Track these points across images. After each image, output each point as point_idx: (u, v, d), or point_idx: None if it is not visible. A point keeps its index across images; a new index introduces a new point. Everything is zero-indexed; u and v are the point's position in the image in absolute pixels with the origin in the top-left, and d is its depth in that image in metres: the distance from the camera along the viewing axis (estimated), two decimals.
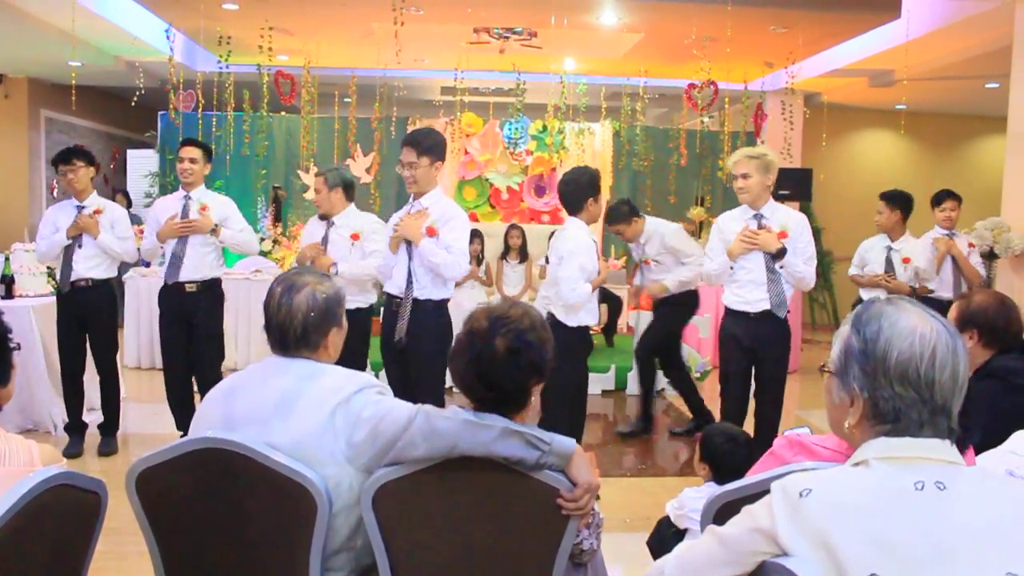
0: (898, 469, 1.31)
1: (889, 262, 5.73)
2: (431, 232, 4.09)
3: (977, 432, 2.20)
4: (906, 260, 5.70)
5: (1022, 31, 6.18)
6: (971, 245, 5.85)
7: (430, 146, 4.10)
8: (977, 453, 1.95)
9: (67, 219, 5.13)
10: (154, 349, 7.72)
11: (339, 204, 4.94)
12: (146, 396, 6.88)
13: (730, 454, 2.77)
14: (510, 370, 1.95)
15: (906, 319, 1.37)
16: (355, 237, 4.88)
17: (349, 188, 4.96)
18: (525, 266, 7.93)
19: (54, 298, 5.80)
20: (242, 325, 7.58)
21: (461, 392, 2.02)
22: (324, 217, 5.01)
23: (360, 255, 4.86)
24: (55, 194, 10.85)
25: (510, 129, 9.63)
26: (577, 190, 4.43)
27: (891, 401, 1.35)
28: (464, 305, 6.17)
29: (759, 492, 1.42)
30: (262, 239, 8.68)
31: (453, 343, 2.06)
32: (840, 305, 11.32)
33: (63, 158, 5.11)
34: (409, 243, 4.12)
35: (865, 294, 5.80)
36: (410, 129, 9.56)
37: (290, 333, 2.11)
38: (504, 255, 7.92)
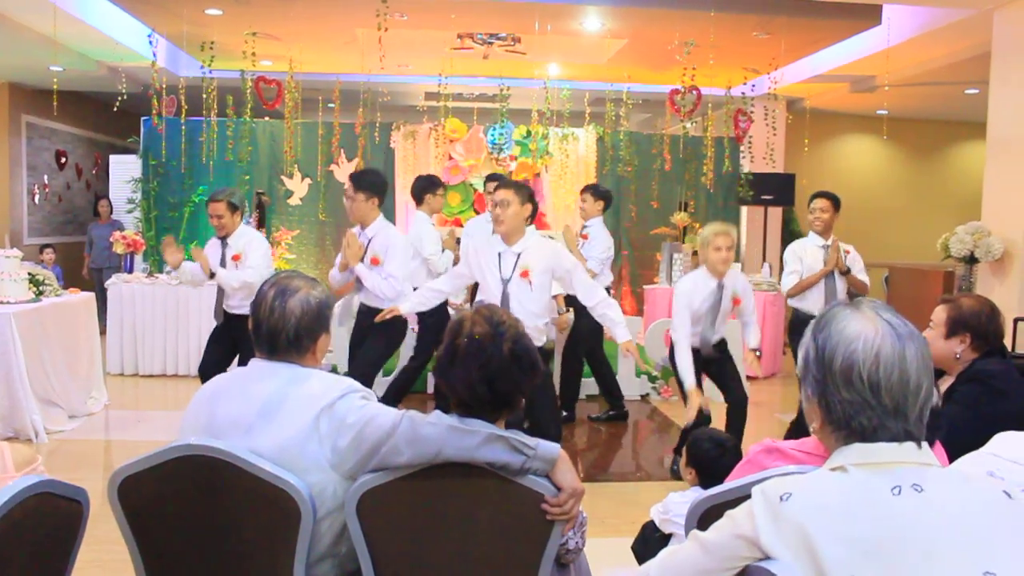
0: (874, 474, 1.32)
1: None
2: (375, 262, 4.84)
3: (943, 426, 2.25)
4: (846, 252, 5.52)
5: (1000, 38, 6.26)
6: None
7: (368, 184, 4.88)
8: (959, 455, 1.97)
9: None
10: (137, 355, 7.67)
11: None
12: (129, 403, 6.83)
13: (717, 459, 2.78)
14: (515, 374, 1.97)
15: (854, 324, 1.37)
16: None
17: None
18: None
19: (35, 305, 5.76)
20: None
21: (451, 396, 1.99)
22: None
23: None
24: (36, 200, 10.77)
25: (494, 134, 9.64)
26: None
27: (840, 406, 1.36)
28: None
29: (743, 496, 1.42)
30: None
31: (444, 349, 2.02)
32: None
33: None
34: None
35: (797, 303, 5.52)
36: (394, 135, 9.64)
37: (281, 337, 2.09)
38: None
